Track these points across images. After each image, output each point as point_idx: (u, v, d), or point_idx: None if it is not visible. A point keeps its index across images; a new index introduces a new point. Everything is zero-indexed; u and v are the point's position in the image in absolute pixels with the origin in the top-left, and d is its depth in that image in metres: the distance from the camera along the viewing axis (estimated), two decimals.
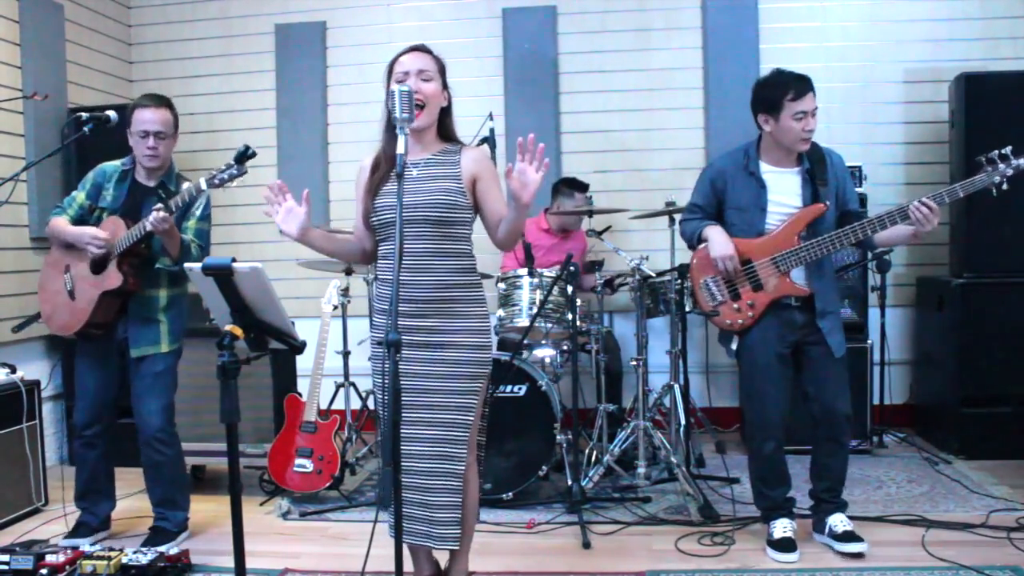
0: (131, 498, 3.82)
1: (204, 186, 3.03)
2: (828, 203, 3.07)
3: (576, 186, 4.61)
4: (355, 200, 2.66)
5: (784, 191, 3.13)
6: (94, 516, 3.41)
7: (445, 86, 2.58)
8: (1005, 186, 2.86)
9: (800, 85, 3.03)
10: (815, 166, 3.11)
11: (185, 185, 3.21)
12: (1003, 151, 2.86)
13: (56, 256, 3.32)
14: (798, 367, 3.21)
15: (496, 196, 2.58)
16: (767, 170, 3.15)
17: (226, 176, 2.97)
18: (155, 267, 3.22)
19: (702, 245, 3.22)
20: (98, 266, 3.18)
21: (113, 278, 3.14)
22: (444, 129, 2.61)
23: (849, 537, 3.11)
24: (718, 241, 3.14)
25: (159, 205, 3.03)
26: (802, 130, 3.03)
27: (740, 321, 3.17)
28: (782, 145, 3.10)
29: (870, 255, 4.23)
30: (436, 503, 2.49)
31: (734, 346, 3.25)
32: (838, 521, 3.17)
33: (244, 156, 2.95)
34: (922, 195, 2.93)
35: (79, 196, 3.31)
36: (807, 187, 3.11)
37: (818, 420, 3.19)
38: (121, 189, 3.29)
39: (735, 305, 3.17)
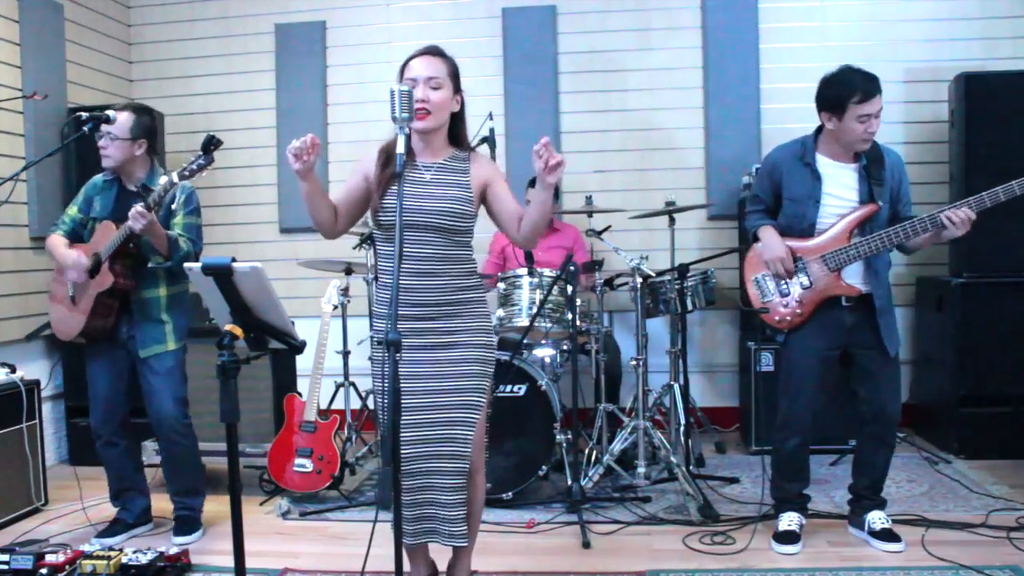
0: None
1: (176, 179, 3.05)
2: (881, 203, 3.03)
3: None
4: (351, 173, 2.59)
5: (840, 185, 3.09)
6: (129, 512, 3.50)
7: (458, 89, 2.54)
8: None
9: (868, 87, 2.94)
10: (872, 164, 3.06)
11: (162, 180, 3.19)
12: None
13: (58, 266, 3.38)
14: (848, 367, 3.18)
15: (510, 195, 2.58)
16: (824, 163, 3.10)
17: (195, 167, 3.01)
18: (149, 266, 3.26)
19: (757, 244, 3.22)
20: (94, 271, 3.24)
21: (105, 279, 3.21)
22: (455, 133, 2.59)
23: (887, 535, 3.14)
24: (770, 243, 3.15)
25: (141, 204, 3.07)
26: (864, 131, 2.97)
27: (789, 318, 3.16)
28: (841, 143, 3.06)
29: None
30: (445, 501, 2.50)
31: (780, 338, 3.25)
32: (877, 518, 3.19)
33: (210, 145, 2.97)
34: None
35: (71, 210, 3.40)
36: (863, 183, 3.07)
37: (867, 420, 3.19)
38: (108, 197, 3.34)
39: (783, 302, 3.17)
